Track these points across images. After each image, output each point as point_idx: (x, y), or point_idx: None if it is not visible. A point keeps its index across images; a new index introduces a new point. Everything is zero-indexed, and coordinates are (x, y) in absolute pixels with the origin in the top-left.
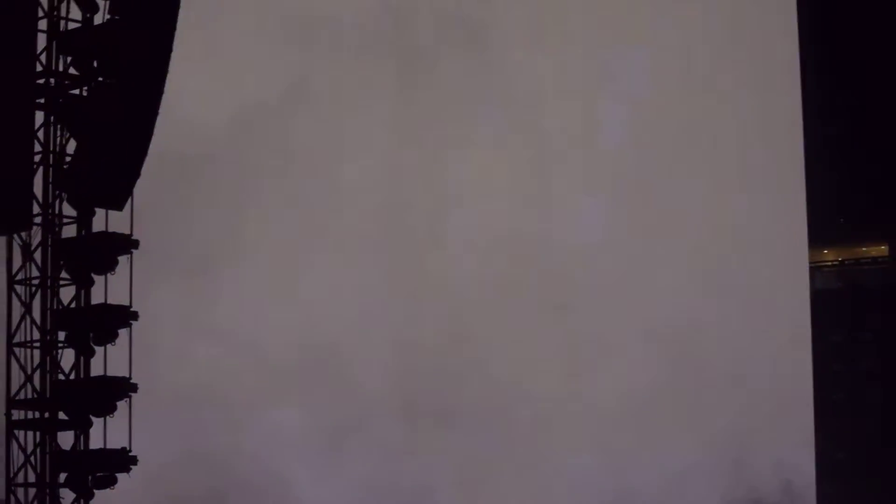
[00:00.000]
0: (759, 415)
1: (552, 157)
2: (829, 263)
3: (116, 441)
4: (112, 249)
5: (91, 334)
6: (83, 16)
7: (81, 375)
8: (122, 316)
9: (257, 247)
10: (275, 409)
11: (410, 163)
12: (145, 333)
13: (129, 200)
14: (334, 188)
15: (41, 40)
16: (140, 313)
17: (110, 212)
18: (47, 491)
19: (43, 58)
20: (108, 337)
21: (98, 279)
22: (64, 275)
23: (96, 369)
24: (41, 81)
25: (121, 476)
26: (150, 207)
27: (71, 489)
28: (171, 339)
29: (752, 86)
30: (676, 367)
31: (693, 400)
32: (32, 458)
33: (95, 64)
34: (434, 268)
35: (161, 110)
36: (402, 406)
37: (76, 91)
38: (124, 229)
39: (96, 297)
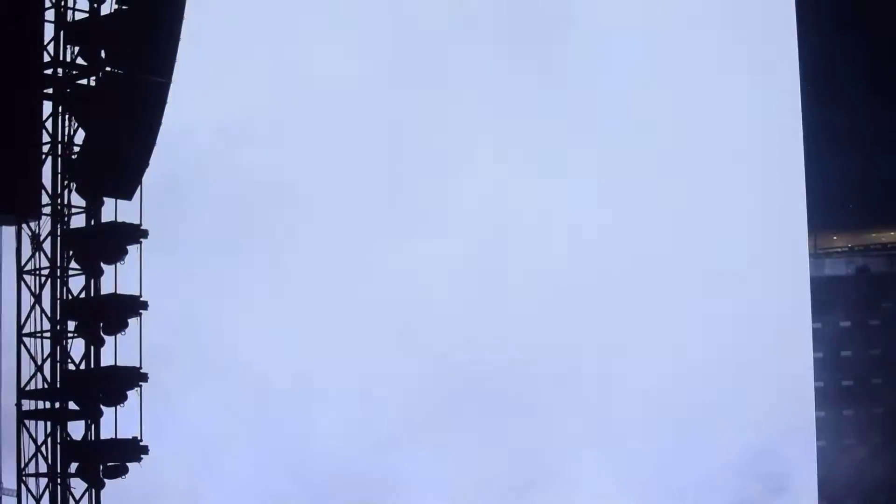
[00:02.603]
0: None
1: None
2: (839, 250)
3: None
4: (122, 239)
5: (101, 324)
6: (90, 6)
7: (91, 365)
8: (133, 305)
9: None
10: None
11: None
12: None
13: (139, 190)
14: None
15: (49, 30)
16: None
17: (120, 202)
18: (58, 481)
19: (51, 48)
20: (119, 326)
21: (108, 269)
22: (73, 265)
23: (107, 359)
24: (49, 71)
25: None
26: None
27: (82, 479)
28: None
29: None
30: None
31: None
32: (43, 449)
33: (103, 54)
34: None
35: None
36: None
37: (84, 81)
38: (133, 219)
39: (106, 287)
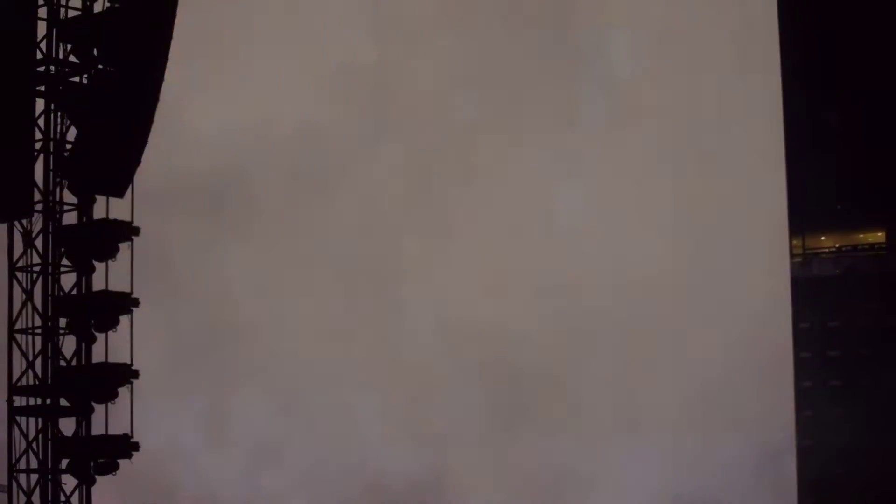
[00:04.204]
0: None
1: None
2: (827, 250)
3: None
4: (113, 236)
5: (92, 321)
6: (83, 4)
7: (83, 362)
8: (124, 303)
9: None
10: None
11: None
12: None
13: (130, 188)
14: None
15: (41, 28)
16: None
17: (111, 199)
18: (49, 477)
19: (43, 45)
20: (110, 323)
21: (99, 266)
22: (65, 262)
23: (97, 356)
24: (41, 69)
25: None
26: None
27: (73, 475)
28: None
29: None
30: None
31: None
32: (34, 445)
33: (95, 52)
34: None
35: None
36: None
37: (76, 79)
38: (125, 216)
39: (97, 284)
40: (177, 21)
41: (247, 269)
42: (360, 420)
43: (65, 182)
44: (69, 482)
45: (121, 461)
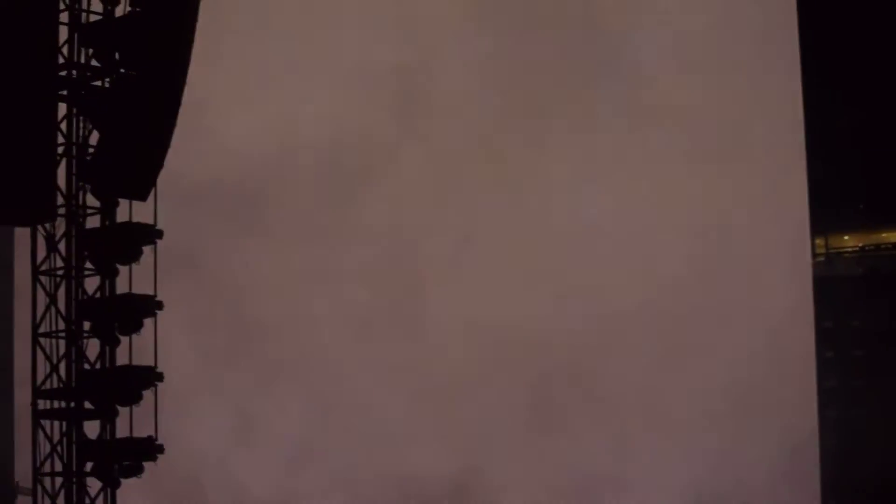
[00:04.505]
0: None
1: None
2: (850, 250)
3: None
4: (136, 240)
5: (116, 324)
6: (104, 8)
7: (107, 365)
8: (148, 305)
9: None
10: None
11: None
12: None
13: (153, 191)
14: None
15: (63, 33)
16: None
17: (134, 202)
18: (74, 480)
19: (65, 50)
20: (133, 326)
21: (122, 269)
22: (88, 265)
23: (122, 359)
24: (63, 74)
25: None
26: None
27: (97, 478)
28: None
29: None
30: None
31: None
32: (59, 448)
33: (117, 56)
34: None
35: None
36: None
37: (98, 83)
38: (148, 219)
39: (121, 288)
40: (199, 24)
41: (275, 270)
42: (391, 420)
43: (87, 186)
44: (94, 485)
45: (146, 464)
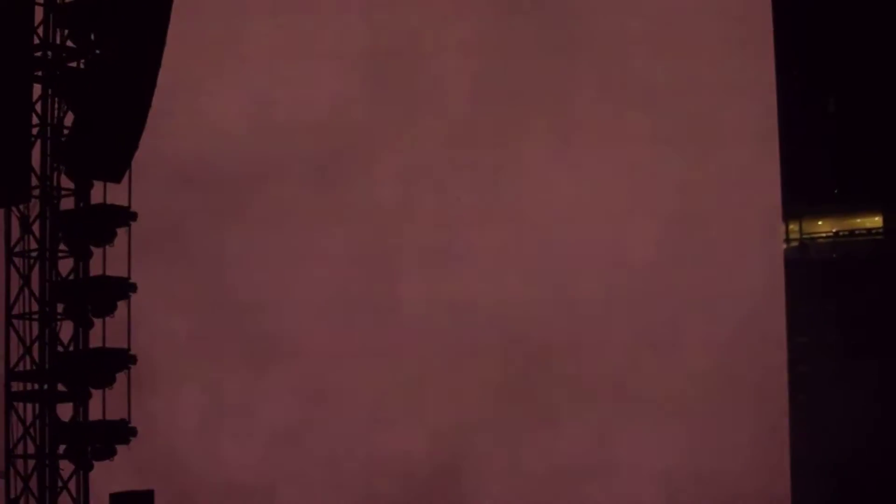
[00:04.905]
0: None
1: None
2: (824, 235)
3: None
4: (110, 221)
5: (89, 306)
6: None
7: (80, 347)
8: (121, 288)
9: None
10: None
11: None
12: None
13: (127, 172)
14: None
15: (38, 13)
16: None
17: (109, 184)
18: (47, 462)
19: (40, 31)
20: (107, 309)
21: (96, 251)
22: (63, 247)
23: (95, 341)
24: (39, 54)
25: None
26: None
27: (70, 460)
28: None
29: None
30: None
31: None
32: (32, 430)
33: (93, 37)
34: None
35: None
36: None
37: (74, 64)
38: (122, 201)
39: (95, 270)
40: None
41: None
42: (376, 404)
43: (62, 167)
44: (66, 467)
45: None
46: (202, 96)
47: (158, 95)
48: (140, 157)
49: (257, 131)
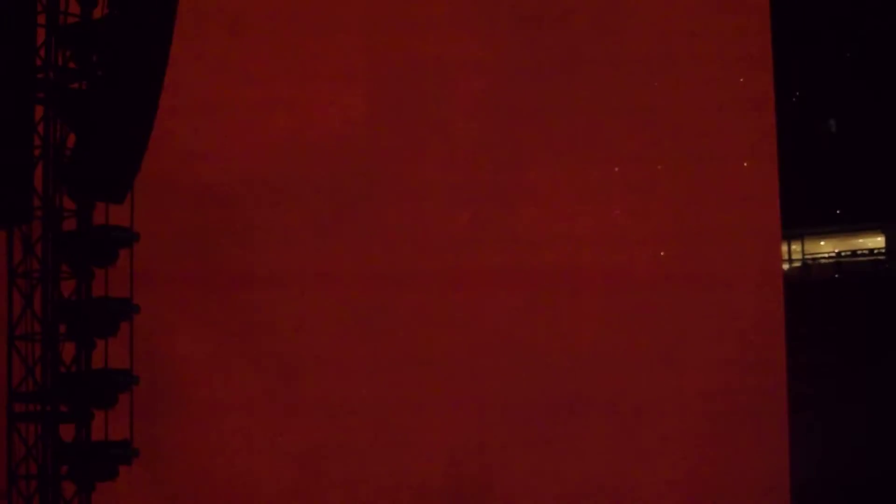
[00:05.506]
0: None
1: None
2: (826, 255)
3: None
4: (112, 242)
5: (92, 327)
6: (82, 10)
7: (83, 368)
8: (124, 309)
9: None
10: None
11: None
12: None
13: (130, 193)
14: None
15: (40, 35)
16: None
17: (111, 205)
18: (49, 483)
19: (42, 52)
20: (109, 330)
21: (99, 272)
22: (65, 268)
23: (97, 362)
24: (41, 76)
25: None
26: None
27: (72, 481)
28: None
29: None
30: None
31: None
32: (34, 451)
33: (95, 58)
34: None
35: None
36: None
37: (76, 85)
38: (125, 222)
39: (97, 291)
40: (179, 24)
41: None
42: (397, 420)
43: (64, 188)
44: (69, 488)
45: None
46: (205, 116)
47: (161, 116)
48: (146, 178)
49: (263, 151)
